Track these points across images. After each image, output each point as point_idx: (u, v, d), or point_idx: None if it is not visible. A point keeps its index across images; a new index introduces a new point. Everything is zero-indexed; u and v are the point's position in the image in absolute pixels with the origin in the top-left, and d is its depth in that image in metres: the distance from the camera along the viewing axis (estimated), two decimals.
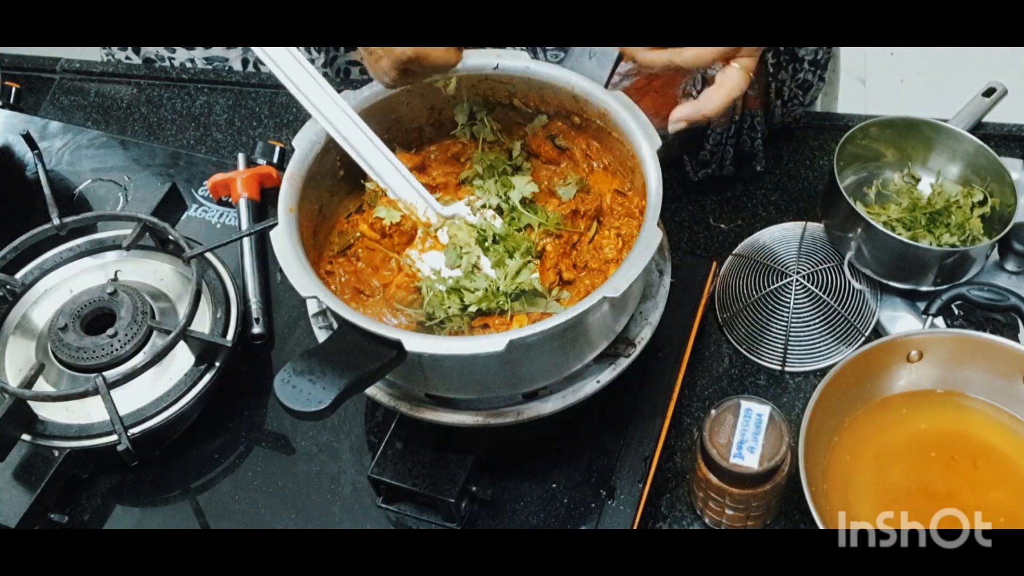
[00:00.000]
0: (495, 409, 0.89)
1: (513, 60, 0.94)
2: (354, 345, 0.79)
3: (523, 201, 0.94)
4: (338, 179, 0.96)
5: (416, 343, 0.78)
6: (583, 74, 0.91)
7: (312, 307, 0.95)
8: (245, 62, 1.41)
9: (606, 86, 0.90)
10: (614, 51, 0.89)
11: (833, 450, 0.95)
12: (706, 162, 1.18)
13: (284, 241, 0.85)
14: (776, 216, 1.18)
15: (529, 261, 0.91)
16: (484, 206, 0.94)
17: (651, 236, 0.82)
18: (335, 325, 0.91)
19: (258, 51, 0.88)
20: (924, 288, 1.04)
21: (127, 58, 1.45)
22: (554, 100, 0.95)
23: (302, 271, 0.83)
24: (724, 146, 1.15)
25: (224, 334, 1.02)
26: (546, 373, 0.88)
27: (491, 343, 0.78)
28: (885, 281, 1.05)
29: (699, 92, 1.10)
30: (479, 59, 0.94)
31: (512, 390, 0.89)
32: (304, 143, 0.91)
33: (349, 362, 0.78)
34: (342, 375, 0.77)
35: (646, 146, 0.87)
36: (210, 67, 1.42)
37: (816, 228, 1.11)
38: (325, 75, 1.37)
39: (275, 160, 1.22)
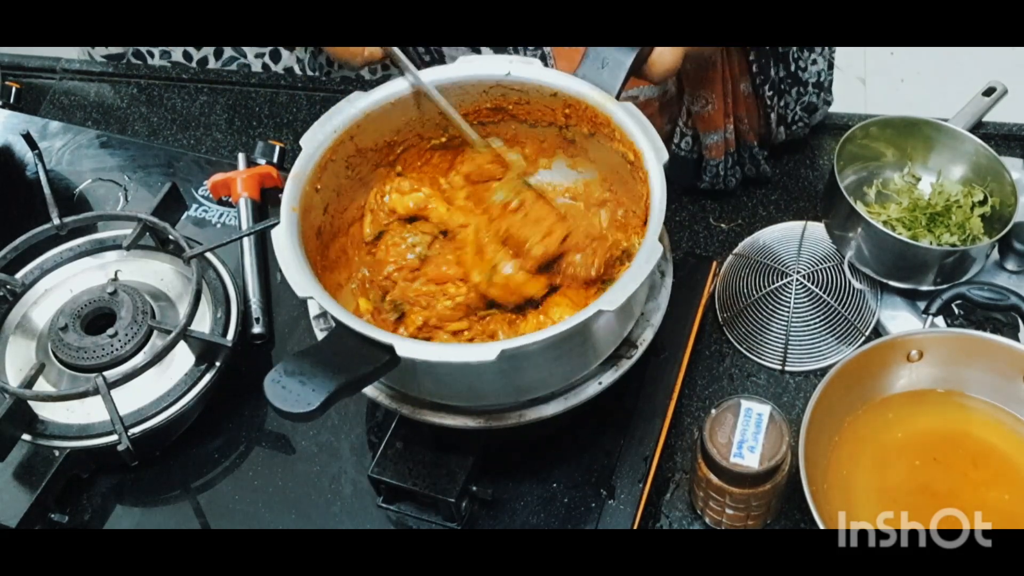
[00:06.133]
0: (496, 412, 0.89)
1: (525, 67, 0.93)
2: (347, 348, 0.78)
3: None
4: (345, 179, 0.95)
5: (408, 348, 0.77)
6: (595, 84, 0.90)
7: (313, 308, 0.95)
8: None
9: (617, 97, 0.89)
10: (627, 62, 0.88)
11: (833, 450, 0.95)
12: (708, 190, 1.18)
13: (284, 240, 0.84)
14: (776, 216, 1.18)
15: None
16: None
17: (652, 250, 0.80)
18: None
19: None
20: (924, 288, 1.04)
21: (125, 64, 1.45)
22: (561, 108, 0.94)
23: (300, 271, 0.83)
24: (726, 176, 1.16)
25: (224, 334, 1.02)
26: (549, 382, 0.88)
27: (483, 351, 0.77)
28: (885, 281, 1.05)
29: (684, 123, 1.11)
30: (492, 65, 0.93)
31: (513, 399, 0.88)
32: (311, 143, 0.90)
33: (341, 365, 0.77)
34: (333, 377, 0.76)
35: (653, 159, 0.86)
36: (210, 67, 1.42)
37: (816, 228, 1.11)
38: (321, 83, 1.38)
39: (275, 160, 1.22)
